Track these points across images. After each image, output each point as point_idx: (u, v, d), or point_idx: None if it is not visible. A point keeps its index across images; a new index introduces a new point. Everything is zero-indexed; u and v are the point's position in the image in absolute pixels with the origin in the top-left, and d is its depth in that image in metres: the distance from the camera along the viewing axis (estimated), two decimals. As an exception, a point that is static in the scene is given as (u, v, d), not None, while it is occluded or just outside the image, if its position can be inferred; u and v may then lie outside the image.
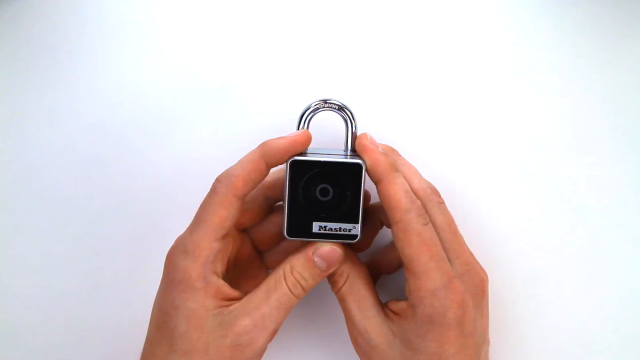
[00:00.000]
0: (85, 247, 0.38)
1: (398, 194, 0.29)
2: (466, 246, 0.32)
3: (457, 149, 0.38)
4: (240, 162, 0.30)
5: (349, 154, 0.32)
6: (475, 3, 0.38)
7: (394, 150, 0.35)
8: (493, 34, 0.38)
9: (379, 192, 0.30)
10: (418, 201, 0.30)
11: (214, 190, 0.30)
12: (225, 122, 0.39)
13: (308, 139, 0.31)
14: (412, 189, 0.30)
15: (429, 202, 0.31)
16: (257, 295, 0.30)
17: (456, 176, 0.37)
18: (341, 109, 0.32)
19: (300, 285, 0.30)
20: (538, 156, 0.37)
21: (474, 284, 0.30)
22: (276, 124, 0.37)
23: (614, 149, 0.37)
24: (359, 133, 0.32)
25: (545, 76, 0.38)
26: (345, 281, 0.31)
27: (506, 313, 0.36)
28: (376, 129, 0.37)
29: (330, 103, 0.32)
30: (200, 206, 0.30)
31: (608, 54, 0.38)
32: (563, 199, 0.37)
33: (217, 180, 0.30)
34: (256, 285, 0.31)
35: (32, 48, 0.40)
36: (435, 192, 0.32)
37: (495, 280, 0.36)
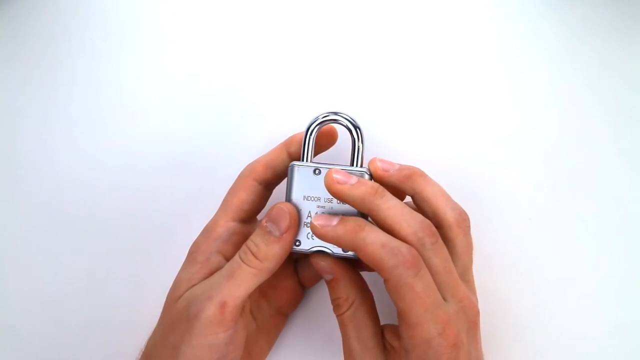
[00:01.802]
0: (86, 247, 0.38)
1: (376, 254, 0.27)
2: (459, 280, 0.29)
3: (457, 150, 0.38)
4: (267, 152, 0.33)
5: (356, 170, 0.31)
6: (474, 11, 0.38)
7: (408, 172, 0.31)
8: (492, 37, 0.38)
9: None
10: (403, 249, 0.27)
11: (239, 175, 0.32)
12: (226, 123, 0.39)
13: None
14: (400, 235, 0.28)
15: (422, 247, 0.28)
16: (218, 270, 0.30)
17: (456, 176, 0.37)
18: (345, 121, 0.31)
19: (251, 251, 0.29)
20: (538, 156, 0.37)
21: (468, 320, 0.29)
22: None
23: (614, 148, 0.37)
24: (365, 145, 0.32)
25: (546, 77, 0.38)
26: (350, 307, 0.30)
27: (506, 313, 0.36)
28: (376, 129, 0.37)
29: (334, 118, 0.31)
30: (227, 191, 0.32)
31: (609, 53, 0.38)
32: (563, 199, 0.37)
33: (245, 167, 0.33)
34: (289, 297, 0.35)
35: (32, 48, 0.40)
36: (427, 231, 0.28)
37: (495, 280, 0.36)
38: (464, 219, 0.30)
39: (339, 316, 0.30)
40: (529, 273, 0.36)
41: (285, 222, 0.29)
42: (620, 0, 0.38)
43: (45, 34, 0.40)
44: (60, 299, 0.38)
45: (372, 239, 0.27)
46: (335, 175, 0.29)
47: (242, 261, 0.29)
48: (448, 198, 0.31)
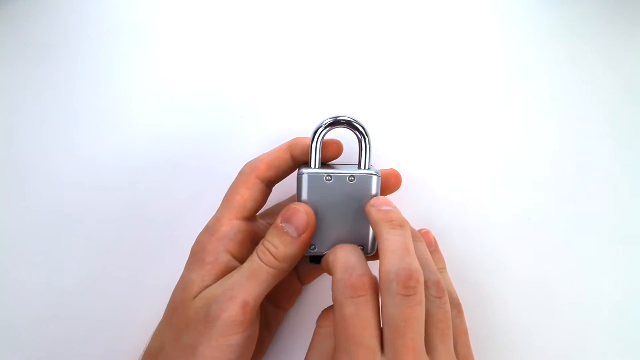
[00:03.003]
0: (85, 247, 0.38)
1: (334, 265, 0.27)
2: (417, 348, 0.25)
3: (458, 150, 0.38)
4: (269, 151, 0.32)
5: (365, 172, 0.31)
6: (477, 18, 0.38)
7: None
8: (493, 37, 0.38)
9: None
10: (357, 271, 0.26)
11: (240, 173, 0.32)
12: (226, 123, 0.39)
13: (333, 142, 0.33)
14: (380, 269, 0.26)
15: (385, 291, 0.26)
16: (236, 270, 0.30)
17: (457, 176, 0.37)
18: (353, 125, 0.31)
19: (270, 252, 0.29)
20: (538, 156, 0.37)
21: None
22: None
23: (614, 148, 0.37)
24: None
25: (546, 78, 0.38)
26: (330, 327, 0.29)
27: (506, 313, 0.36)
28: (375, 130, 0.37)
29: (342, 120, 0.31)
30: (228, 189, 0.32)
31: (609, 53, 0.38)
32: (563, 199, 0.37)
33: (245, 165, 0.32)
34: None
35: (32, 47, 0.40)
36: (401, 280, 0.25)
37: (495, 280, 0.36)
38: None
39: (318, 328, 0.29)
40: (528, 273, 0.36)
41: (302, 223, 0.30)
42: (621, 0, 0.38)
43: (44, 34, 0.40)
44: (60, 298, 0.38)
45: (341, 255, 0.28)
46: (375, 198, 0.30)
47: (262, 262, 0.29)
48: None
